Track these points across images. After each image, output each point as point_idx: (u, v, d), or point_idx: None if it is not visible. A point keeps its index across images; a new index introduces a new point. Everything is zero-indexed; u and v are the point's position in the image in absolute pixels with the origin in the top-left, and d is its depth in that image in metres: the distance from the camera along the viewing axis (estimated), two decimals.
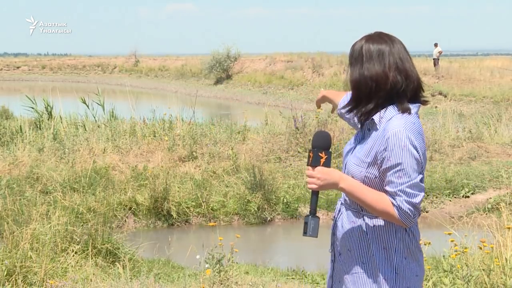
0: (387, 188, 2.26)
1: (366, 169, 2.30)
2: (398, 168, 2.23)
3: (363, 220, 2.36)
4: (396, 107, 2.31)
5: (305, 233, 2.30)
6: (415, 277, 2.36)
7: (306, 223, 2.30)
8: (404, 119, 2.27)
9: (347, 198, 2.42)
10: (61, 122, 11.78)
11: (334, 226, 2.48)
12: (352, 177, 2.33)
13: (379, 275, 2.32)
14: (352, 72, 2.35)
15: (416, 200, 2.24)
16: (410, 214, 2.25)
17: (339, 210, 2.48)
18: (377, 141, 2.29)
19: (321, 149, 2.28)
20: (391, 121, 2.28)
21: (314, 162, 2.27)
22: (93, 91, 13.81)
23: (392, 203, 2.25)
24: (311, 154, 2.29)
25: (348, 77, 2.37)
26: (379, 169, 2.29)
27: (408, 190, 2.23)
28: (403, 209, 2.24)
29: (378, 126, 2.31)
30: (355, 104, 2.37)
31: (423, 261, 2.44)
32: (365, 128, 2.40)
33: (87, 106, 13.07)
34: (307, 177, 2.30)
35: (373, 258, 2.33)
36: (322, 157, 2.27)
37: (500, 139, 12.06)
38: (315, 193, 2.33)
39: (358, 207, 2.37)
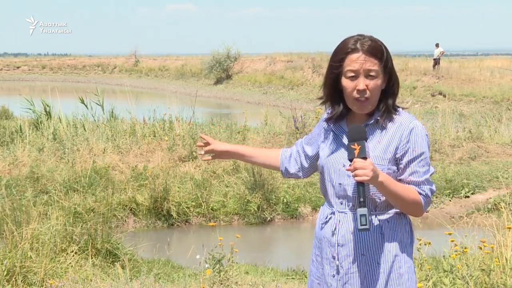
0: (412, 178, 2.35)
1: (387, 165, 2.34)
2: (422, 157, 2.35)
3: (376, 218, 2.36)
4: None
5: (363, 225, 2.24)
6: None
7: (362, 216, 2.24)
8: (408, 114, 2.41)
9: (356, 203, 2.35)
10: (60, 122, 11.77)
11: (337, 237, 2.39)
12: None
13: (396, 269, 2.36)
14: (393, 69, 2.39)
15: (434, 187, 2.41)
16: (431, 201, 2.44)
17: (338, 220, 2.39)
18: (395, 136, 2.35)
19: (364, 141, 2.27)
20: (401, 116, 2.39)
21: (363, 154, 2.25)
22: (92, 91, 13.79)
23: (419, 192, 2.35)
24: (357, 147, 2.25)
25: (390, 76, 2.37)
26: (397, 163, 2.35)
27: (430, 178, 2.39)
28: (430, 197, 2.38)
29: (383, 125, 2.37)
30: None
31: None
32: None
33: (86, 106, 13.07)
34: (354, 168, 2.23)
35: (388, 255, 2.35)
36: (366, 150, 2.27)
37: (500, 139, 12.05)
38: (362, 185, 2.27)
39: (371, 207, 2.36)
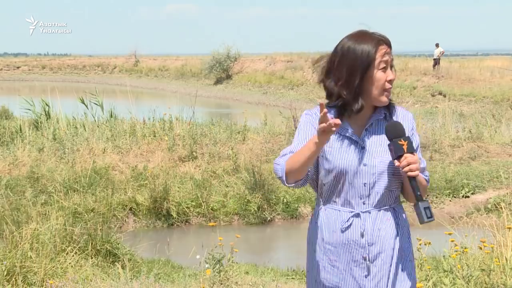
0: (419, 165, 2.38)
1: None
2: (419, 145, 2.46)
3: (394, 213, 2.40)
4: None
5: (429, 217, 2.26)
6: None
7: (426, 208, 2.26)
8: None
9: (381, 199, 2.37)
10: (57, 122, 11.78)
11: (366, 237, 2.36)
12: (382, 172, 2.37)
13: (408, 255, 2.43)
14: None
15: None
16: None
17: (365, 220, 2.36)
18: (406, 129, 2.38)
19: (409, 136, 2.31)
20: (397, 107, 2.45)
21: (412, 149, 2.27)
22: (93, 91, 13.80)
23: (424, 177, 2.43)
24: (404, 142, 2.26)
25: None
26: None
27: None
28: (429, 181, 2.51)
29: (388, 118, 2.41)
30: None
31: None
32: (367, 128, 2.39)
33: (86, 106, 13.08)
34: (408, 163, 2.25)
35: (405, 243, 2.42)
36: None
37: (500, 139, 12.05)
38: (414, 179, 2.29)
39: (391, 201, 2.39)
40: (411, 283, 2.42)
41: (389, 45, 2.35)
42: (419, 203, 2.27)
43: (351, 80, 2.33)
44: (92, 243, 5.78)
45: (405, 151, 2.25)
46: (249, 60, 41.45)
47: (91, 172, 8.98)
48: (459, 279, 4.37)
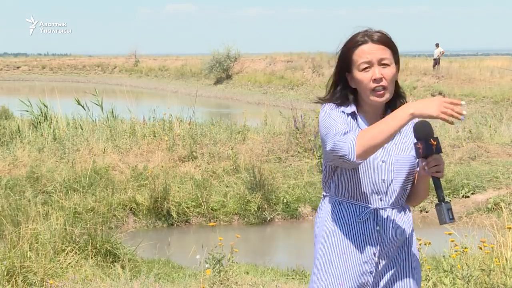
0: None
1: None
2: None
3: (405, 213, 2.41)
4: None
5: (451, 219, 2.24)
6: None
7: (449, 210, 2.24)
8: None
9: (397, 197, 2.37)
10: (57, 122, 11.77)
11: (380, 234, 2.36)
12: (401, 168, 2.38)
13: (416, 255, 2.45)
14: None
15: None
16: None
17: (382, 217, 2.36)
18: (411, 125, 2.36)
19: (437, 136, 2.28)
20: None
21: (440, 149, 2.25)
22: (92, 91, 13.80)
23: None
24: (434, 142, 2.23)
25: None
26: None
27: None
28: None
29: None
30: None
31: None
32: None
33: (83, 107, 13.07)
34: (435, 164, 2.24)
35: (413, 243, 2.43)
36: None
37: (500, 139, 12.05)
38: (438, 180, 2.29)
39: (403, 200, 2.40)
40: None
41: (379, 42, 2.31)
42: (443, 204, 2.25)
43: (336, 83, 2.39)
44: (92, 243, 5.77)
45: (434, 151, 2.23)
46: (249, 60, 41.45)
47: (91, 172, 8.98)
48: (459, 279, 4.37)
